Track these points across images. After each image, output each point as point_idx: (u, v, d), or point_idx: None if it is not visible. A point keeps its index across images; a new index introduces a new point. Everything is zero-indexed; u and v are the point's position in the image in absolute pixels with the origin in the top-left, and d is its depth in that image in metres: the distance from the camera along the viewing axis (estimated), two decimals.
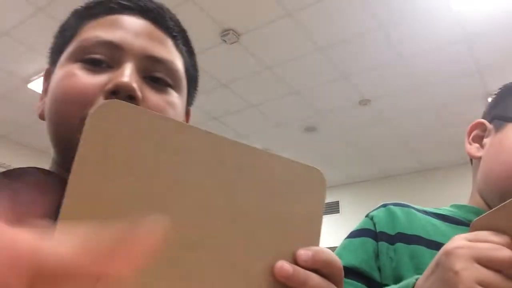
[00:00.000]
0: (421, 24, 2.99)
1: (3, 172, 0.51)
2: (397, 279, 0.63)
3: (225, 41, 3.18)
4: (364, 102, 4.00)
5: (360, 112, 4.17)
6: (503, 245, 0.44)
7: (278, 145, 4.86)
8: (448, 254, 0.46)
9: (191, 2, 2.81)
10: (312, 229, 0.34)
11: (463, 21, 2.95)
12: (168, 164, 0.30)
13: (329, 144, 4.86)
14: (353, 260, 0.67)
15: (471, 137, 0.75)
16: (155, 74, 0.51)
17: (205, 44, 3.10)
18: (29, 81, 3.69)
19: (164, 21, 0.55)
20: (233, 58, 3.40)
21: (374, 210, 0.74)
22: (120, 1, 0.54)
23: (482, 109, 0.80)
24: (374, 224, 0.71)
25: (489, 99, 0.80)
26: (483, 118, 0.76)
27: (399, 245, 0.67)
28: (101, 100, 0.47)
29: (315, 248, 0.33)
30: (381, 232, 0.69)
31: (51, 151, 0.53)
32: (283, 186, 0.34)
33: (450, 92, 3.76)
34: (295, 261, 0.32)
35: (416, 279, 0.52)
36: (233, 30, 3.09)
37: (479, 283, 0.42)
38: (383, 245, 0.68)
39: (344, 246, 0.71)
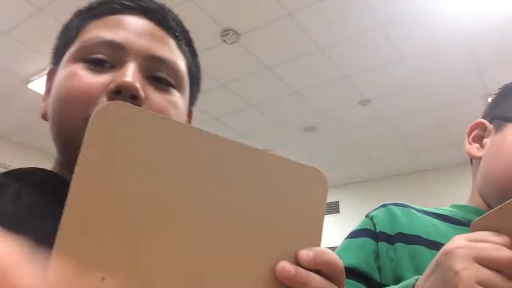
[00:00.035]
0: (421, 24, 2.99)
1: (6, 173, 0.51)
2: (397, 279, 0.63)
3: (225, 41, 3.18)
4: (364, 102, 4.00)
5: (360, 112, 4.17)
6: (503, 245, 0.44)
7: (278, 145, 4.86)
8: (448, 254, 0.46)
9: (191, 2, 2.81)
10: (313, 229, 0.34)
11: (463, 21, 2.95)
12: (170, 165, 0.30)
13: (329, 144, 4.86)
14: (353, 260, 0.67)
15: (471, 137, 0.75)
16: (157, 74, 0.52)
17: (205, 44, 3.10)
18: (29, 81, 3.69)
19: (166, 22, 0.56)
20: (233, 58, 3.40)
21: (374, 210, 0.74)
22: (123, 2, 0.54)
23: (482, 109, 0.80)
24: (374, 224, 0.71)
25: (489, 99, 0.80)
26: (483, 118, 0.76)
27: (399, 245, 0.67)
28: (104, 100, 0.47)
29: (316, 248, 0.33)
30: (381, 232, 0.69)
31: (52, 151, 0.53)
32: (284, 187, 0.34)
33: (450, 92, 3.76)
34: (296, 262, 0.32)
35: (416, 280, 0.52)
36: (233, 30, 3.09)
37: (479, 283, 0.42)
38: (383, 245, 0.68)
39: (344, 246, 0.71)
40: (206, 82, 0.64)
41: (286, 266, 0.32)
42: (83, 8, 0.57)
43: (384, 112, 4.17)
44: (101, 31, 0.51)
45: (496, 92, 0.77)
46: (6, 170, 0.51)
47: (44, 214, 0.44)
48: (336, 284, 0.34)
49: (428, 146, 4.79)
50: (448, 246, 0.47)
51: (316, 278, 0.32)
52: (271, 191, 0.33)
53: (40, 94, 0.59)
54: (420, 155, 5.03)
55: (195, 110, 0.64)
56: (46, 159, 0.54)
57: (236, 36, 3.13)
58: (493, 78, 3.47)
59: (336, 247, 0.72)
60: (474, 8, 2.84)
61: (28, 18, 2.98)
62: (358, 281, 0.65)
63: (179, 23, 0.59)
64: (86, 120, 0.29)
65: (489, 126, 0.73)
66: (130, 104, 0.30)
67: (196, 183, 0.31)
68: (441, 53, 3.26)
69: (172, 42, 0.55)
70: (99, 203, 0.27)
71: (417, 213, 0.72)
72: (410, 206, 0.74)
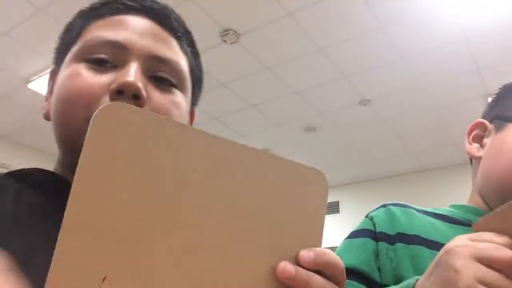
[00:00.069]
0: (421, 24, 2.99)
1: (7, 173, 0.51)
2: (397, 279, 0.63)
3: (225, 41, 3.19)
4: (364, 102, 4.00)
5: (360, 112, 4.17)
6: (504, 245, 0.44)
7: (278, 145, 4.86)
8: (449, 252, 0.46)
9: (191, 2, 2.81)
10: (314, 230, 0.34)
11: (463, 21, 2.95)
12: (170, 166, 0.30)
13: (329, 144, 4.86)
14: (353, 261, 0.67)
15: (471, 137, 0.75)
16: (159, 74, 0.52)
17: (205, 44, 3.11)
18: (29, 81, 3.69)
19: (169, 22, 0.56)
20: (233, 58, 3.40)
21: (373, 210, 0.74)
22: (125, 2, 0.54)
23: (482, 109, 0.80)
24: (374, 225, 0.71)
25: (489, 99, 0.80)
26: (483, 118, 0.76)
27: (399, 245, 0.67)
28: (106, 100, 0.47)
29: (317, 249, 0.33)
30: (380, 232, 0.69)
31: (52, 151, 0.53)
32: (285, 188, 0.34)
33: (450, 92, 3.76)
34: (297, 262, 0.32)
35: (417, 280, 0.52)
36: (233, 30, 3.09)
37: (479, 281, 0.42)
38: (383, 245, 0.68)
39: (344, 247, 0.71)
40: (206, 82, 0.64)
41: (286, 266, 0.32)
42: (85, 8, 0.57)
43: (384, 112, 4.17)
44: (103, 31, 0.51)
45: (496, 92, 0.77)
46: (6, 170, 0.51)
47: (45, 215, 0.44)
48: (336, 284, 0.34)
49: (428, 146, 4.79)
50: (449, 245, 0.47)
51: (316, 278, 0.32)
52: (271, 191, 0.33)
53: (40, 94, 0.59)
54: (420, 155, 5.03)
55: (195, 110, 0.64)
56: (46, 159, 0.54)
57: (236, 36, 3.14)
58: (493, 78, 3.47)
59: (336, 247, 0.72)
60: (474, 8, 2.84)
61: (28, 18, 2.98)
62: (358, 282, 0.65)
63: (182, 24, 0.59)
64: (88, 120, 0.29)
65: (489, 126, 0.73)
66: (131, 105, 0.30)
67: (196, 184, 0.31)
68: (441, 53, 3.26)
69: (174, 42, 0.55)
70: (100, 204, 0.28)
71: (417, 213, 0.72)
72: (410, 206, 0.74)
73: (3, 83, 3.72)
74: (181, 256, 0.29)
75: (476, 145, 0.74)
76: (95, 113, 0.28)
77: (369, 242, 0.69)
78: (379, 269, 0.67)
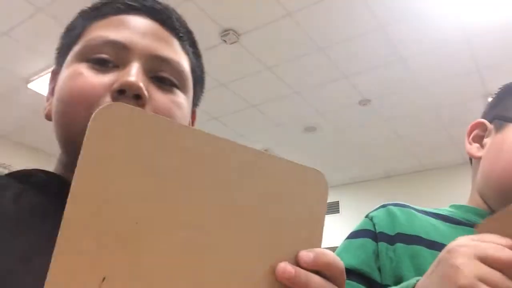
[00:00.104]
0: (421, 24, 2.99)
1: (8, 174, 0.51)
2: (397, 280, 0.63)
3: (225, 41, 3.19)
4: (364, 102, 4.00)
5: (360, 112, 4.17)
6: (506, 246, 0.45)
7: (278, 145, 4.86)
8: (450, 251, 0.47)
9: (191, 2, 2.81)
10: (314, 231, 0.34)
11: (463, 21, 2.95)
12: (169, 166, 0.30)
13: (329, 144, 4.86)
14: (353, 261, 0.67)
15: (471, 137, 0.75)
16: (161, 74, 0.51)
17: (205, 44, 3.10)
18: (29, 81, 3.69)
19: (170, 22, 0.55)
20: (233, 58, 3.40)
21: (373, 210, 0.74)
22: (127, 2, 0.54)
23: (482, 109, 0.80)
24: (374, 225, 0.71)
25: (489, 99, 0.80)
26: (483, 118, 0.76)
27: (399, 245, 0.67)
28: (108, 100, 0.47)
29: (317, 250, 0.33)
30: (380, 232, 0.69)
31: (52, 152, 0.54)
32: (284, 188, 0.34)
33: (450, 92, 3.76)
34: (297, 263, 0.33)
35: (417, 280, 0.52)
36: (233, 30, 3.10)
37: (480, 279, 0.42)
38: (383, 245, 0.68)
39: (344, 247, 0.71)
40: (206, 82, 0.64)
41: (286, 267, 0.32)
42: (87, 8, 0.57)
43: (384, 112, 4.17)
44: (105, 31, 0.51)
45: (496, 92, 0.77)
46: (6, 170, 0.52)
47: (45, 215, 0.44)
48: (336, 285, 0.34)
49: (428, 146, 4.79)
50: (451, 244, 0.48)
51: (316, 279, 0.32)
52: (271, 192, 0.33)
53: (40, 94, 0.59)
54: (420, 155, 5.03)
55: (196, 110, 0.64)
56: (46, 159, 0.54)
57: (236, 36, 3.14)
58: (493, 78, 3.47)
59: (336, 247, 0.72)
60: (474, 8, 2.84)
61: (28, 18, 2.98)
62: (358, 282, 0.65)
63: (183, 24, 0.58)
64: (89, 119, 0.29)
65: (489, 126, 0.73)
66: (130, 105, 0.30)
67: (196, 184, 0.31)
68: (441, 53, 3.26)
69: (176, 43, 0.55)
70: (99, 204, 0.28)
71: (417, 213, 0.72)
72: (409, 206, 0.74)
73: (3, 83, 3.72)
74: (180, 256, 0.29)
75: (476, 145, 0.74)
76: (94, 113, 0.28)
77: (369, 243, 0.69)
78: (379, 269, 0.67)
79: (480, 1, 2.78)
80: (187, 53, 0.57)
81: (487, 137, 0.73)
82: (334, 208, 5.71)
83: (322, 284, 0.32)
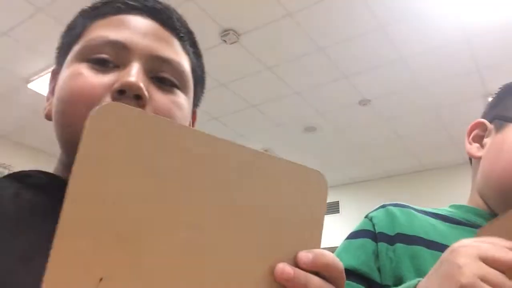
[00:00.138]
0: (421, 24, 2.99)
1: (7, 175, 0.51)
2: (397, 280, 0.63)
3: (225, 41, 3.19)
4: (364, 102, 4.00)
5: (360, 112, 4.17)
6: (508, 248, 0.45)
7: (278, 145, 4.86)
8: (453, 251, 0.47)
9: (191, 1, 2.81)
10: (313, 231, 0.34)
11: (463, 21, 2.95)
12: (167, 166, 0.30)
13: (329, 144, 4.86)
14: (352, 262, 0.66)
15: (471, 136, 0.75)
16: (161, 75, 0.51)
17: (205, 44, 3.10)
18: (29, 81, 3.69)
19: (171, 22, 0.55)
20: (233, 58, 3.40)
21: (373, 211, 0.74)
22: (127, 1, 0.54)
23: (482, 109, 0.80)
24: (374, 225, 0.71)
25: (489, 99, 0.80)
26: (483, 117, 0.76)
27: (399, 245, 0.67)
28: (108, 100, 0.47)
29: (316, 250, 0.33)
30: (380, 233, 0.69)
31: (52, 152, 0.54)
32: (284, 189, 0.34)
33: (450, 92, 3.76)
34: (296, 264, 0.32)
35: (418, 281, 0.52)
36: (233, 30, 3.10)
37: (481, 279, 0.43)
38: (382, 245, 0.68)
39: (343, 248, 0.71)
40: (206, 82, 0.64)
41: (285, 267, 0.32)
42: (87, 7, 0.57)
43: (384, 112, 4.17)
44: (105, 30, 0.51)
45: (496, 92, 0.77)
46: (6, 170, 0.52)
47: (45, 215, 0.44)
48: (336, 286, 0.34)
49: (427, 146, 4.79)
50: (454, 245, 0.48)
51: (315, 280, 0.32)
52: (270, 192, 0.33)
53: (40, 94, 0.59)
54: (420, 155, 5.03)
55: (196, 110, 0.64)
56: (46, 159, 0.54)
57: (236, 36, 3.14)
58: (493, 78, 3.47)
59: (336, 247, 0.72)
60: (474, 8, 2.84)
61: (28, 18, 2.98)
62: (358, 283, 0.65)
63: (184, 24, 0.58)
64: None
65: (489, 126, 0.73)
66: (127, 105, 0.30)
67: (195, 184, 0.30)
68: (441, 53, 3.26)
69: (176, 43, 0.55)
70: (95, 204, 0.27)
71: (416, 213, 0.72)
72: (409, 206, 0.74)
73: (3, 83, 3.72)
74: (180, 257, 0.29)
75: (476, 145, 0.74)
76: (90, 113, 0.28)
77: (368, 243, 0.69)
78: (379, 270, 0.66)
79: (480, 1, 2.78)
80: (187, 53, 0.57)
81: (487, 137, 0.73)
82: (334, 208, 5.71)
83: (321, 285, 0.32)
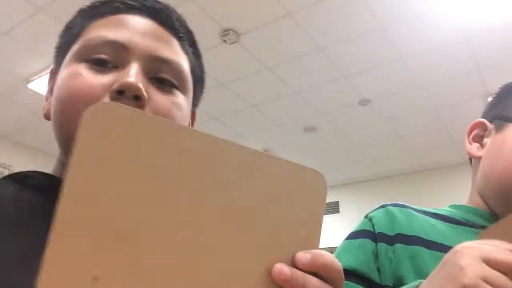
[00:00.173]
0: (421, 24, 2.99)
1: (7, 176, 0.51)
2: (397, 280, 0.63)
3: (225, 41, 3.19)
4: (364, 102, 4.00)
5: (360, 112, 4.17)
6: (510, 251, 0.46)
7: (278, 145, 4.86)
8: (456, 253, 0.47)
9: (191, 1, 2.81)
10: (312, 231, 0.34)
11: (463, 21, 2.95)
12: (166, 166, 0.30)
13: (329, 144, 4.86)
14: (352, 262, 0.66)
15: (471, 136, 0.75)
16: (161, 75, 0.51)
17: (205, 44, 3.10)
18: (29, 81, 3.69)
19: (170, 22, 0.55)
20: (233, 58, 3.40)
21: (373, 211, 0.74)
22: (127, 1, 0.54)
23: (482, 109, 0.80)
24: (373, 225, 0.70)
25: (489, 99, 0.80)
26: (483, 117, 0.76)
27: (398, 245, 0.67)
28: (106, 100, 0.46)
29: (314, 251, 0.33)
30: (380, 233, 0.69)
31: (52, 151, 0.53)
32: (283, 189, 0.34)
33: (450, 92, 3.76)
34: (294, 264, 0.32)
35: (420, 282, 0.52)
36: (233, 30, 3.09)
37: (484, 280, 0.43)
38: (382, 246, 0.68)
39: (343, 248, 0.71)
40: (206, 82, 0.64)
41: (282, 268, 0.31)
42: (85, 7, 0.57)
43: (384, 112, 4.17)
44: (104, 30, 0.51)
45: (496, 92, 0.77)
46: (6, 170, 0.52)
47: (45, 215, 0.44)
48: (334, 286, 0.33)
49: (427, 146, 4.79)
50: (457, 247, 0.48)
51: (313, 280, 0.32)
52: (269, 192, 0.33)
53: (40, 94, 0.59)
54: (420, 155, 5.03)
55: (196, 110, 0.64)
56: (46, 159, 0.54)
57: (236, 36, 3.13)
58: (493, 78, 3.47)
59: (336, 247, 0.72)
60: (474, 8, 2.84)
61: (28, 18, 2.98)
62: (357, 283, 0.64)
63: (183, 24, 0.58)
64: None
65: (489, 125, 0.73)
66: (122, 104, 0.30)
67: (195, 184, 0.30)
68: (441, 53, 3.26)
69: (175, 43, 0.54)
70: (91, 203, 0.27)
71: (416, 213, 0.72)
72: (409, 206, 0.74)
73: (3, 83, 3.72)
74: (179, 257, 0.29)
75: (476, 145, 0.74)
76: (84, 112, 0.28)
77: (368, 243, 0.69)
78: (378, 270, 0.66)
79: (480, 1, 2.78)
80: (187, 53, 0.56)
81: (487, 137, 0.73)
82: (334, 208, 5.71)
83: (319, 286, 0.32)
